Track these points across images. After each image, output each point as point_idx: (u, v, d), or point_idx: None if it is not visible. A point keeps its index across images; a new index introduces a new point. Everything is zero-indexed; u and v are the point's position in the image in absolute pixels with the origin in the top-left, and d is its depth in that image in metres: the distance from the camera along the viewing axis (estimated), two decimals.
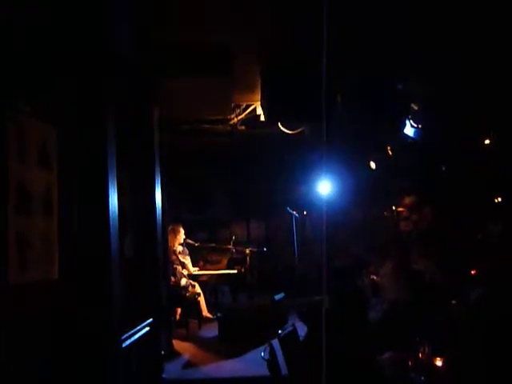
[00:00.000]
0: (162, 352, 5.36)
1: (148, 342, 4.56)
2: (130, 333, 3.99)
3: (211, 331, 7.24)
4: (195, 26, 4.20)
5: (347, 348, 3.09)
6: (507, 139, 7.88)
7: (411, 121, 6.10)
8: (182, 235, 7.98)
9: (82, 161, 3.28)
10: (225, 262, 8.81)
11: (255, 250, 9.07)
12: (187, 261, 8.10)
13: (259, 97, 5.87)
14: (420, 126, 6.21)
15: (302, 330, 4.18)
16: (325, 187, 4.99)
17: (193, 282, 7.83)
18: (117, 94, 3.54)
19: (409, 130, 6.18)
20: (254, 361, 5.42)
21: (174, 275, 7.50)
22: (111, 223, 3.32)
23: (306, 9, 3.16)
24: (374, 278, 6.87)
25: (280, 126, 5.88)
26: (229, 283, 8.62)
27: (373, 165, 9.21)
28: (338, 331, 2.79)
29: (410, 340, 3.50)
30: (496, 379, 2.79)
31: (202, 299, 7.85)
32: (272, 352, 3.56)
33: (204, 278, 8.25)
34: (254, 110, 6.67)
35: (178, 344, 6.56)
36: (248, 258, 8.74)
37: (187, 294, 7.58)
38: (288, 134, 6.05)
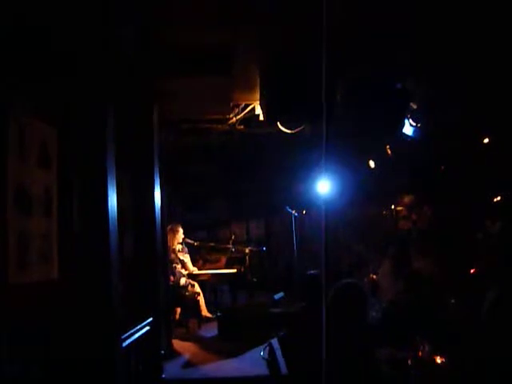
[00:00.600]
0: (162, 351, 5.36)
1: (147, 342, 4.56)
2: (129, 332, 3.99)
3: (211, 331, 7.25)
4: (195, 26, 4.20)
5: (347, 346, 3.10)
6: (506, 138, 7.88)
7: (410, 120, 6.11)
8: (181, 234, 7.98)
9: (81, 161, 3.28)
10: (224, 261, 8.82)
11: (255, 249, 9.08)
12: (186, 259, 8.10)
13: (258, 96, 5.87)
14: (419, 124, 6.22)
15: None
16: (324, 186, 4.97)
17: (192, 282, 7.83)
18: (116, 93, 3.55)
19: (408, 129, 6.18)
20: (254, 360, 5.42)
21: (174, 275, 7.50)
22: (111, 223, 3.32)
23: (305, 9, 3.17)
24: (374, 277, 6.89)
25: (279, 125, 5.88)
26: (228, 282, 8.63)
27: (372, 164, 9.22)
28: (337, 329, 2.79)
29: (410, 339, 3.51)
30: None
31: (201, 299, 7.85)
32: (272, 351, 3.57)
33: (203, 278, 8.25)
34: (253, 109, 6.67)
35: (177, 343, 6.57)
36: (247, 258, 8.75)
37: (187, 294, 7.58)
38: (287, 133, 6.06)
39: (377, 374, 3.18)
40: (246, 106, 6.75)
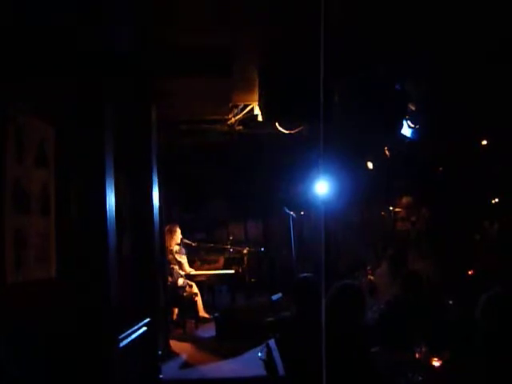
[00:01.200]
0: (159, 352, 5.35)
1: (145, 342, 4.56)
2: (126, 333, 3.99)
3: (208, 331, 7.24)
4: (194, 26, 4.20)
5: (344, 347, 3.10)
6: (504, 140, 7.90)
7: (408, 121, 6.11)
8: (178, 235, 7.97)
9: (79, 160, 3.28)
10: (222, 261, 8.81)
11: (253, 249, 9.07)
12: (184, 261, 8.10)
13: (257, 97, 5.86)
14: (417, 126, 6.22)
15: None
16: (322, 187, 4.99)
17: (190, 282, 7.82)
18: (115, 93, 3.55)
19: (406, 131, 6.18)
20: (252, 361, 5.42)
21: (171, 275, 7.49)
22: (108, 223, 3.32)
23: (304, 10, 3.17)
24: (371, 278, 6.88)
25: (277, 125, 5.89)
26: (226, 283, 8.62)
27: (370, 165, 9.22)
28: (335, 330, 2.80)
29: (407, 340, 3.51)
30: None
31: (199, 299, 7.84)
32: (269, 352, 3.56)
33: (201, 278, 8.24)
34: (252, 110, 6.67)
35: (174, 344, 6.56)
36: (245, 258, 8.75)
37: (184, 294, 7.57)
38: (285, 134, 6.06)
39: (374, 376, 3.18)
40: (245, 106, 6.75)
